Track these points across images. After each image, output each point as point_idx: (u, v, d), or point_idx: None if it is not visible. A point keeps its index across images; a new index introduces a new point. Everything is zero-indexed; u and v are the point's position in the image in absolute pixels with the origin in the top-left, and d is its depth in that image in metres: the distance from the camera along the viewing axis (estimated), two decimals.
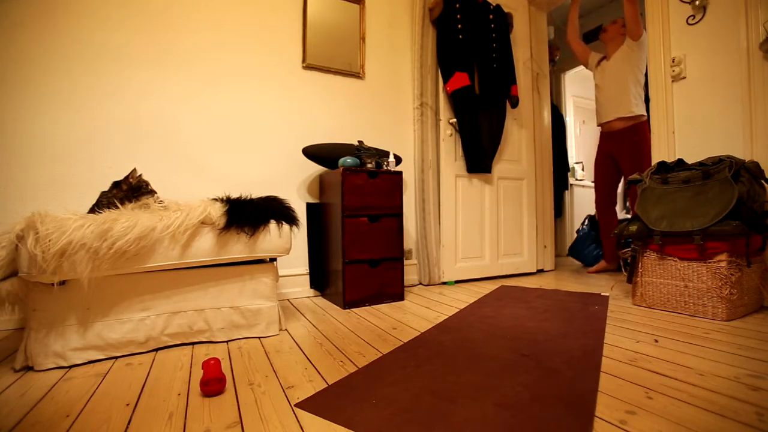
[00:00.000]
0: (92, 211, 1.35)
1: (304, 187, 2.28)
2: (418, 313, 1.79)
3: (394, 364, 1.16)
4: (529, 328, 1.49)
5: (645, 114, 2.58)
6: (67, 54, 1.74)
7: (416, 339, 1.40)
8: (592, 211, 3.74)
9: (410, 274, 2.52)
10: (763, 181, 1.68)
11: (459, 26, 2.49)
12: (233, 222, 1.38)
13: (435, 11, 2.52)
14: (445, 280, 2.50)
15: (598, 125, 2.84)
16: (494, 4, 2.67)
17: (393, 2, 2.60)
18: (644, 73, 2.53)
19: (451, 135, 2.57)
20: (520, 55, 2.89)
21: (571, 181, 4.07)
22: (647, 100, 2.46)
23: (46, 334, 1.15)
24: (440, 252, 2.50)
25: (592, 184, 4.36)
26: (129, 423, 0.84)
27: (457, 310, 1.82)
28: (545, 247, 3.04)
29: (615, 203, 2.85)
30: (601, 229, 2.90)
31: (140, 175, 1.50)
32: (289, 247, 1.52)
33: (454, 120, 2.55)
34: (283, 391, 0.99)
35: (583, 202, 4.19)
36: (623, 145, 2.61)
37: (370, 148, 2.12)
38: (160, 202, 1.44)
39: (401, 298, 2.06)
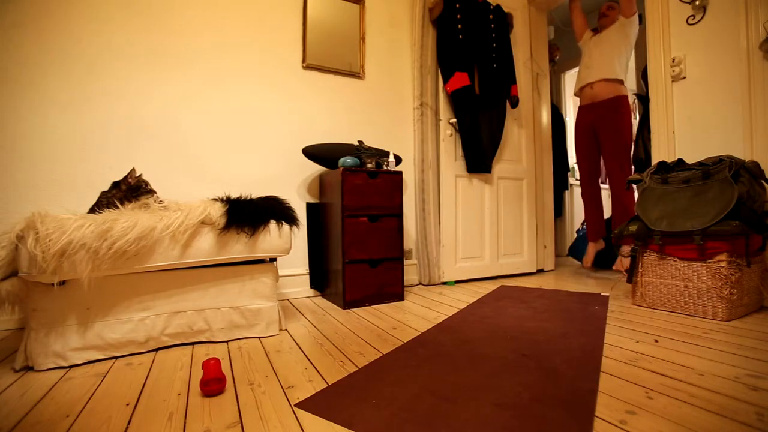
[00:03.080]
0: (92, 211, 1.35)
1: (304, 187, 2.28)
2: (418, 313, 1.79)
3: (394, 364, 1.16)
4: (529, 328, 1.49)
5: (625, 86, 2.61)
6: (68, 54, 1.74)
7: (416, 339, 1.40)
8: None
9: (410, 274, 2.52)
10: (763, 181, 1.68)
11: (459, 26, 2.49)
12: (233, 222, 1.38)
13: (435, 11, 2.52)
14: (445, 280, 2.50)
15: (576, 93, 2.83)
16: (494, 4, 2.67)
17: (393, 2, 2.60)
18: (632, 50, 2.62)
19: (451, 135, 2.57)
20: (520, 55, 2.89)
21: (571, 181, 4.07)
22: (647, 99, 2.46)
23: (46, 334, 1.15)
24: (440, 252, 2.50)
25: None
26: (129, 423, 0.84)
27: (457, 310, 1.82)
28: (545, 247, 3.04)
29: (599, 175, 2.84)
30: (585, 204, 2.86)
31: (140, 175, 1.50)
32: (289, 247, 1.52)
33: (454, 120, 2.55)
34: (283, 391, 0.99)
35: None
36: (605, 116, 2.59)
37: (370, 148, 2.12)
38: (160, 202, 1.44)
39: (401, 298, 2.06)
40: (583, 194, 2.89)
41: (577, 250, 3.33)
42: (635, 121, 3.64)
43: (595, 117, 2.67)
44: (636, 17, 2.55)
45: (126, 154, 1.84)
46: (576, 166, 4.27)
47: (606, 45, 2.63)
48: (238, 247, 1.40)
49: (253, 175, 2.13)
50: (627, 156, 2.57)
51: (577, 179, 4.21)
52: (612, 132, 2.57)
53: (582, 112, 2.80)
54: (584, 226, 3.38)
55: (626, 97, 2.60)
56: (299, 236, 2.21)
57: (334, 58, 2.36)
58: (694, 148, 2.04)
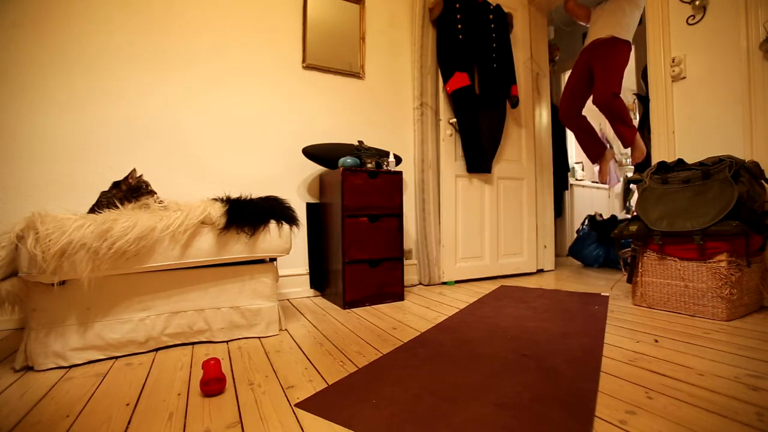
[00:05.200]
0: (92, 211, 1.35)
1: (304, 187, 2.28)
2: (418, 313, 1.79)
3: (394, 364, 1.16)
4: (529, 328, 1.49)
5: (631, 45, 2.58)
6: (68, 54, 1.74)
7: (416, 339, 1.40)
8: (592, 211, 3.74)
9: (410, 274, 2.52)
10: (763, 181, 1.68)
11: (459, 26, 2.49)
12: (233, 222, 1.38)
13: (435, 11, 2.52)
14: (445, 280, 2.50)
15: (581, 50, 2.78)
16: (494, 4, 2.67)
17: (393, 2, 2.60)
18: (637, 20, 2.58)
19: (451, 135, 2.57)
20: (520, 55, 2.89)
21: (571, 181, 4.07)
22: (647, 99, 2.46)
23: (46, 334, 1.15)
24: (440, 252, 2.50)
25: (593, 184, 4.37)
26: (129, 423, 0.84)
27: (457, 310, 1.82)
28: (545, 247, 3.04)
29: (580, 114, 2.79)
30: (575, 134, 2.82)
31: (140, 176, 1.50)
32: (289, 247, 1.52)
33: (454, 120, 2.55)
34: (283, 391, 0.99)
35: (583, 202, 4.19)
36: (603, 50, 2.53)
37: (370, 148, 2.12)
38: (160, 202, 1.44)
39: (401, 298, 2.06)
40: (570, 128, 2.82)
41: (576, 250, 3.34)
42: (635, 122, 3.64)
43: (592, 53, 2.59)
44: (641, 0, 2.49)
45: (126, 154, 1.84)
46: (576, 166, 4.28)
47: (610, 10, 2.58)
48: (238, 247, 1.40)
49: (253, 175, 2.13)
50: (618, 77, 2.48)
51: (577, 179, 4.21)
52: (607, 59, 2.49)
53: (581, 53, 2.72)
54: (584, 226, 3.38)
55: (629, 44, 2.53)
56: (299, 236, 2.21)
57: (334, 58, 2.36)
58: (694, 148, 2.04)
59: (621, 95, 2.57)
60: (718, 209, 1.58)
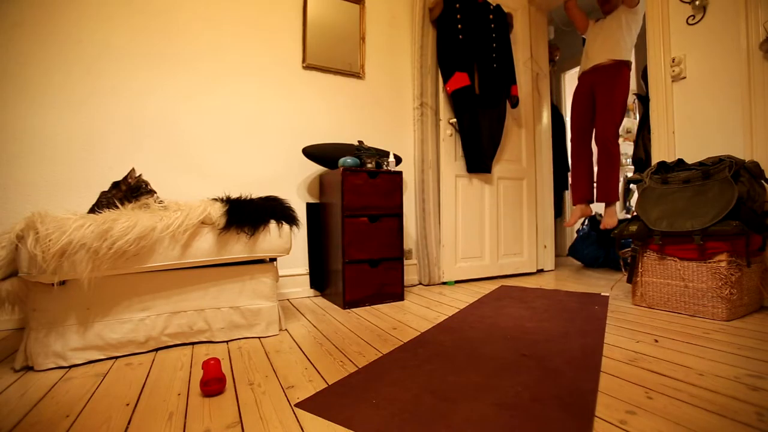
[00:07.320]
0: (92, 211, 1.35)
1: (304, 187, 2.28)
2: (418, 313, 1.79)
3: (394, 364, 1.16)
4: (529, 328, 1.49)
5: (631, 63, 2.62)
6: (68, 54, 1.74)
7: (416, 339, 1.40)
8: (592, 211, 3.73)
9: (410, 274, 2.52)
10: (763, 181, 1.68)
11: (459, 26, 2.49)
12: (233, 222, 1.38)
13: (435, 11, 2.52)
14: (445, 280, 2.50)
15: (581, 74, 2.80)
16: (494, 4, 2.67)
17: (393, 2, 2.60)
18: (635, 38, 2.61)
19: (451, 135, 2.57)
20: (520, 55, 2.89)
21: (571, 181, 4.06)
22: (647, 99, 2.46)
23: (46, 334, 1.15)
24: (440, 252, 2.50)
25: None
26: (129, 423, 0.84)
27: (457, 310, 1.82)
28: (545, 247, 3.04)
29: (591, 138, 2.79)
30: (573, 164, 2.85)
31: (140, 176, 1.50)
32: (289, 247, 1.52)
33: (454, 120, 2.55)
34: (283, 391, 0.99)
35: None
36: (605, 77, 2.58)
37: (370, 148, 2.12)
38: (160, 202, 1.44)
39: (401, 298, 2.06)
40: (572, 155, 2.85)
41: (576, 250, 3.34)
42: (635, 122, 3.64)
43: (595, 78, 2.63)
44: (640, 7, 2.51)
45: (126, 154, 1.84)
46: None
47: (609, 29, 2.60)
48: (238, 247, 1.40)
49: (253, 175, 2.13)
50: (620, 112, 2.55)
51: None
52: (609, 89, 2.55)
53: (582, 78, 2.75)
54: (584, 226, 3.38)
55: (629, 65, 2.58)
56: (299, 236, 2.21)
57: (334, 58, 2.36)
58: (695, 148, 2.04)
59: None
60: (718, 209, 1.58)
